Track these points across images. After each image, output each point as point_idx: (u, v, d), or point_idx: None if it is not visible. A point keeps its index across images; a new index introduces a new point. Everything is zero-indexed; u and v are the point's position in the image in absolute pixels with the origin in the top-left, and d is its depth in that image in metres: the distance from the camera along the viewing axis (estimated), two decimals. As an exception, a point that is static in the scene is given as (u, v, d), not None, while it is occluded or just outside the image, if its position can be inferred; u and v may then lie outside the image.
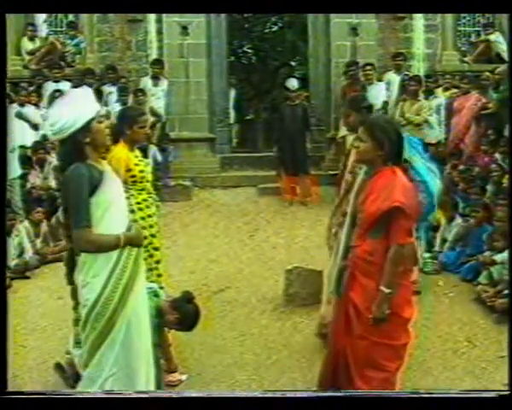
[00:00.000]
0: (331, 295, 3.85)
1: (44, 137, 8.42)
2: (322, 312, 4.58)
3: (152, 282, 4.33)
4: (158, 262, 4.67)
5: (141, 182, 4.53)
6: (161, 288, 4.23)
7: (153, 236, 4.58)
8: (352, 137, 4.69)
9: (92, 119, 3.15)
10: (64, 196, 3.14)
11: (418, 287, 5.07)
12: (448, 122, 8.67)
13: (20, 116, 8.47)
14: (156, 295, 3.87)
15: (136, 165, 4.52)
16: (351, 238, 3.45)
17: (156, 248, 4.65)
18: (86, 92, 3.34)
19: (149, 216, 4.57)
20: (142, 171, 4.53)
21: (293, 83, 9.40)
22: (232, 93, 12.04)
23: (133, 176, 4.46)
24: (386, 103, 9.09)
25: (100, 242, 3.08)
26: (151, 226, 4.56)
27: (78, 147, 3.13)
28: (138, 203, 4.49)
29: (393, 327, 3.29)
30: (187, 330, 4.05)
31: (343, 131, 8.72)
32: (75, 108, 3.13)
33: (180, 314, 3.82)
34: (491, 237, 5.92)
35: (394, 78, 9.45)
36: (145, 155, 7.10)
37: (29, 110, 8.67)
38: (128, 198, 4.48)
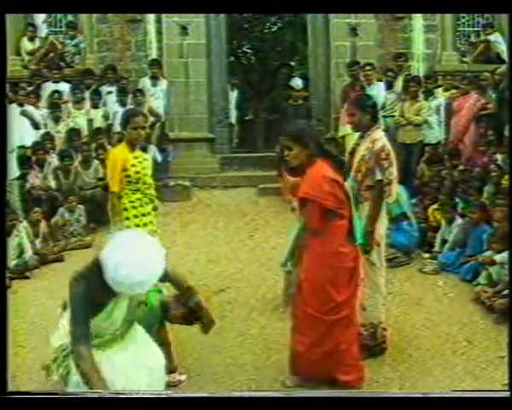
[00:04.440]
0: None
1: (44, 137, 8.44)
2: None
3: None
4: None
5: (136, 182, 4.69)
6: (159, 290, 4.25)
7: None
8: (356, 136, 4.69)
9: None
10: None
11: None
12: (447, 122, 8.67)
13: (24, 114, 8.47)
14: (159, 291, 3.89)
15: (133, 166, 4.68)
16: None
17: None
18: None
19: (143, 215, 4.73)
20: (137, 172, 4.70)
21: (297, 82, 9.40)
22: (234, 93, 12.02)
23: (128, 176, 4.65)
24: (385, 103, 9.08)
25: (90, 374, 2.93)
26: (145, 225, 4.73)
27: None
28: (131, 202, 4.70)
29: (322, 304, 3.82)
30: (190, 324, 4.05)
31: (342, 130, 8.73)
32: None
33: (186, 309, 3.85)
34: (491, 238, 5.92)
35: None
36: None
37: (30, 109, 8.66)
38: (122, 197, 4.62)
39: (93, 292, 2.96)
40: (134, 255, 2.84)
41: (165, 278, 3.25)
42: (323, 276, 3.82)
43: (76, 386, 3.10)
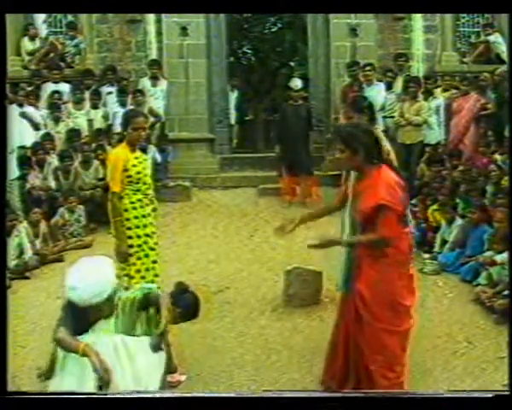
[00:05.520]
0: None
1: (44, 137, 8.44)
2: None
3: (149, 282, 4.36)
4: (155, 262, 4.74)
5: (137, 183, 4.68)
6: (158, 288, 4.24)
7: (147, 235, 4.70)
8: None
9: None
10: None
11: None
12: (447, 123, 8.68)
13: (23, 116, 8.47)
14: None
15: (134, 166, 4.67)
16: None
17: (152, 248, 4.72)
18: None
19: (144, 216, 4.71)
20: (138, 172, 4.69)
21: (296, 83, 9.39)
22: (234, 94, 12.05)
23: (129, 176, 4.64)
24: (385, 104, 9.08)
25: (63, 342, 3.26)
26: (145, 226, 4.70)
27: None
28: (132, 203, 4.67)
29: (396, 314, 3.58)
30: (192, 319, 4.06)
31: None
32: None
33: (181, 307, 3.85)
34: (491, 238, 5.92)
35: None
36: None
37: (30, 110, 8.67)
38: (123, 197, 4.62)
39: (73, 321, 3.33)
40: (85, 275, 3.32)
41: (153, 301, 3.62)
42: (395, 287, 3.59)
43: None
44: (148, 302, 3.66)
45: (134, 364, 3.33)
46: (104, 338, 3.31)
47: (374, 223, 3.49)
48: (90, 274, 3.32)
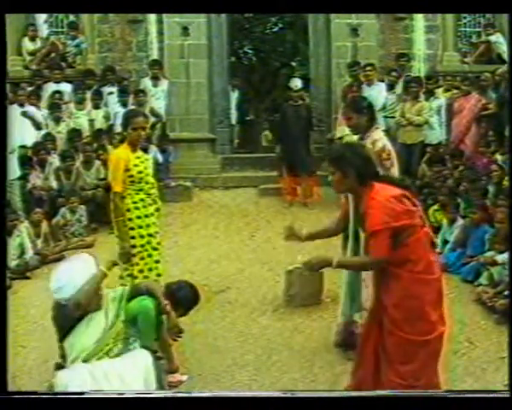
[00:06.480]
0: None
1: (46, 137, 8.44)
2: (339, 320, 4.58)
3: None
4: (157, 262, 4.75)
5: (139, 182, 4.68)
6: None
7: (150, 235, 4.70)
8: (355, 138, 4.69)
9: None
10: None
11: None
12: (449, 123, 8.67)
13: (25, 115, 8.47)
14: (154, 298, 3.89)
15: (136, 166, 4.67)
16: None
17: (155, 248, 4.73)
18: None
19: (146, 216, 4.71)
20: (140, 172, 4.69)
21: (296, 83, 9.39)
22: (235, 94, 12.06)
23: (131, 176, 4.65)
24: (386, 104, 9.08)
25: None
26: (148, 226, 4.72)
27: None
28: (135, 202, 4.70)
29: (426, 324, 3.37)
30: (195, 306, 4.11)
31: (340, 132, 8.71)
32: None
33: (181, 300, 3.90)
34: (493, 238, 5.91)
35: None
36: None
37: (32, 109, 8.67)
38: (125, 197, 4.62)
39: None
40: (61, 272, 3.65)
41: (144, 293, 3.78)
42: (422, 295, 3.38)
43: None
44: (135, 293, 3.78)
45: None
46: (79, 368, 3.36)
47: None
48: (64, 274, 3.62)
